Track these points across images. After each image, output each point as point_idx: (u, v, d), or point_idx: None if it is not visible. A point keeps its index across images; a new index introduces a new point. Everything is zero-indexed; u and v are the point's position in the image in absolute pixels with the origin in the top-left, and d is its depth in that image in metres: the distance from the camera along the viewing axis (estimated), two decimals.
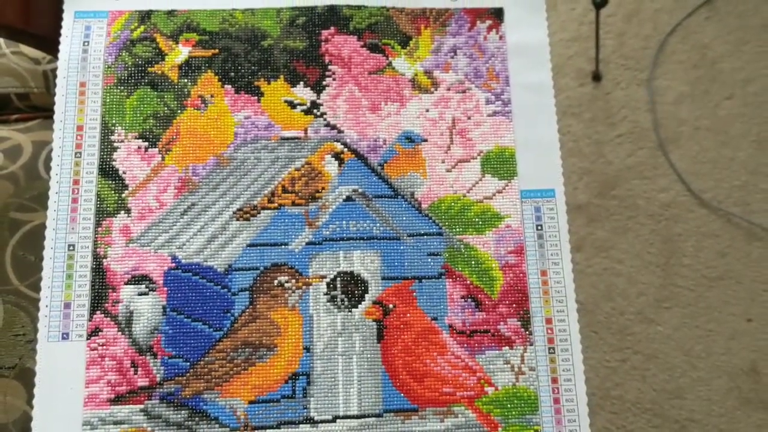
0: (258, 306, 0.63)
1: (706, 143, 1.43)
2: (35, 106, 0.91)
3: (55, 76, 0.68)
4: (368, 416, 0.62)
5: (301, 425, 0.61)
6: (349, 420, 0.62)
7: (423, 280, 0.65)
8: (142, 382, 0.61)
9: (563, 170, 0.69)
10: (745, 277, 1.34)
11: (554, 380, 0.64)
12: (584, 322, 0.61)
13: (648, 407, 1.27)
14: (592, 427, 0.63)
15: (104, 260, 0.63)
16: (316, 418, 0.61)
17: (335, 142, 0.68)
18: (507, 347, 0.64)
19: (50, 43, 0.73)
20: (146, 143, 0.67)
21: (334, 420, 0.62)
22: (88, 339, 0.62)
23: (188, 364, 0.62)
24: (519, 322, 0.65)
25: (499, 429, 0.63)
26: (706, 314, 1.32)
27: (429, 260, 0.66)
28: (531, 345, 0.65)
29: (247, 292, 0.63)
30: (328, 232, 0.65)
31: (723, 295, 1.33)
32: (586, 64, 1.48)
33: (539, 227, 0.68)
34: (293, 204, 0.66)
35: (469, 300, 0.65)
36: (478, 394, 0.63)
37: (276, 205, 0.66)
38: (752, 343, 1.30)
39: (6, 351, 0.75)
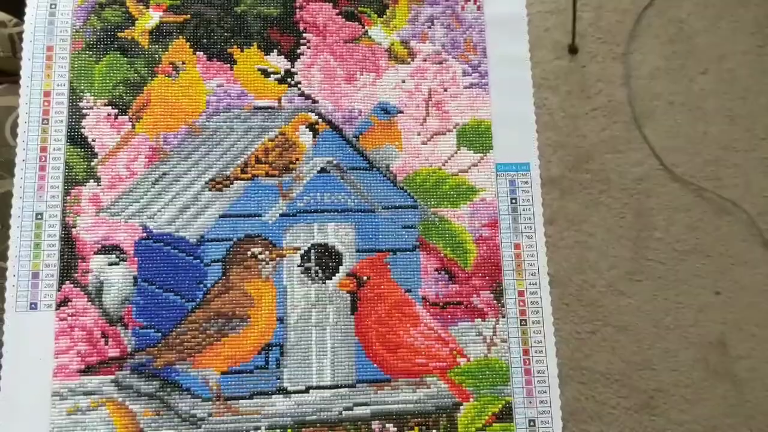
0: (231, 277, 0.62)
1: (680, 118, 1.44)
2: (1, 71, 0.89)
3: (21, 40, 0.66)
4: (341, 387, 0.62)
5: (274, 396, 0.61)
6: (322, 390, 0.62)
7: (397, 253, 0.65)
8: (112, 352, 0.61)
9: (537, 143, 0.69)
10: (714, 251, 1.36)
11: (525, 351, 0.65)
12: (556, 294, 0.62)
13: (617, 378, 1.29)
14: (561, 398, 0.64)
15: (73, 229, 0.62)
16: (289, 389, 0.62)
17: (310, 113, 0.67)
18: (479, 319, 0.65)
19: (16, 5, 0.70)
20: (116, 110, 0.65)
21: (307, 390, 0.62)
22: (57, 309, 0.61)
23: (160, 334, 0.61)
24: (492, 295, 0.65)
25: (471, 399, 0.63)
26: (675, 287, 1.34)
27: (403, 233, 0.66)
28: (503, 317, 0.65)
29: (220, 263, 0.62)
30: (302, 204, 0.65)
31: (692, 268, 1.35)
32: (563, 37, 1.47)
33: (513, 200, 0.68)
34: (267, 175, 0.65)
35: (443, 272, 0.66)
36: (451, 365, 0.64)
37: (249, 175, 0.65)
38: (720, 315, 1.33)
39: None
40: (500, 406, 0.63)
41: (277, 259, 0.64)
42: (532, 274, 0.66)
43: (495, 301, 0.65)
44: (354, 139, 0.67)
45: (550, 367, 0.65)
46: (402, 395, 0.63)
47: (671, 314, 1.33)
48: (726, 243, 1.37)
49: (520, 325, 0.65)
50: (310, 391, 0.62)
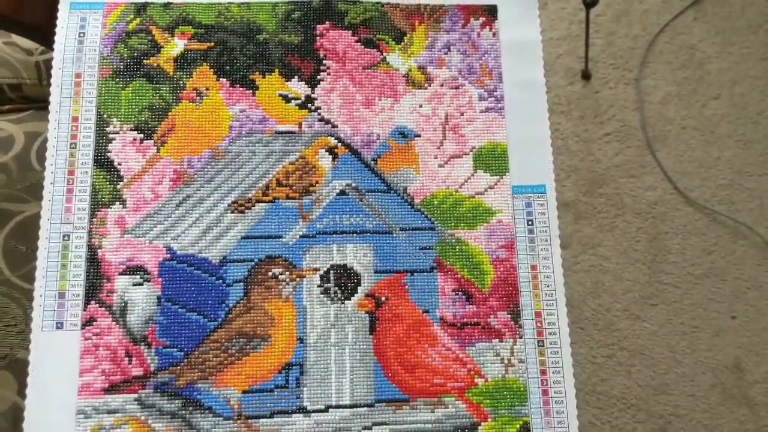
0: (252, 297, 0.63)
1: (692, 143, 1.45)
2: (27, 97, 0.91)
3: (47, 68, 0.68)
4: (360, 406, 0.63)
5: (294, 415, 0.62)
6: (341, 410, 0.63)
7: (415, 274, 0.66)
8: (136, 371, 0.62)
9: (553, 166, 0.70)
10: (730, 275, 1.36)
11: (543, 372, 0.65)
12: (571, 318, 0.63)
13: (633, 402, 1.29)
14: (578, 420, 0.64)
15: (99, 251, 0.64)
16: (309, 408, 0.62)
17: (329, 137, 0.69)
18: (497, 339, 0.66)
19: (43, 34, 0.73)
20: (141, 135, 0.67)
21: (326, 410, 0.62)
22: (82, 329, 0.62)
23: (182, 353, 0.62)
24: (509, 315, 0.66)
25: (489, 419, 0.64)
26: (691, 311, 1.34)
27: (421, 254, 0.67)
28: (520, 338, 0.66)
29: (242, 284, 0.64)
30: (321, 226, 0.66)
31: (708, 292, 1.35)
32: (576, 62, 1.49)
33: (530, 222, 0.69)
34: (287, 197, 0.66)
35: (460, 293, 0.66)
36: (468, 386, 0.64)
37: (270, 198, 0.66)
38: (736, 339, 1.32)
39: None
40: (518, 426, 0.64)
41: (297, 279, 0.65)
42: (548, 296, 0.67)
43: (512, 322, 0.66)
44: (372, 162, 0.69)
45: (568, 388, 0.65)
46: (420, 415, 0.63)
47: (687, 338, 1.33)
48: (741, 267, 1.37)
49: (538, 345, 0.66)
50: (330, 410, 0.63)
